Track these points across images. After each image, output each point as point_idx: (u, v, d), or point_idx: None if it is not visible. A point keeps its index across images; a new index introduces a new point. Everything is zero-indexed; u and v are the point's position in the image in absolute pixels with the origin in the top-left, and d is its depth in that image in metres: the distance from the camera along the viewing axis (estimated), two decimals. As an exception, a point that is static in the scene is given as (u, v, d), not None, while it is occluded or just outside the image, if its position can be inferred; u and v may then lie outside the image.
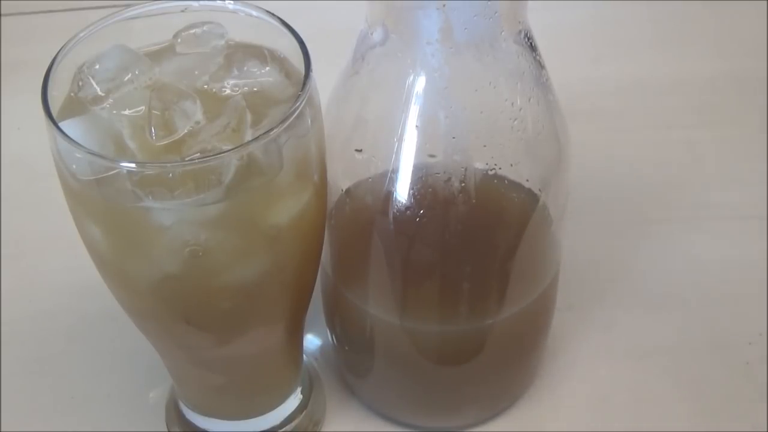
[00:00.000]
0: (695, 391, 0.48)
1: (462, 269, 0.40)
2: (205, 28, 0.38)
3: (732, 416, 0.47)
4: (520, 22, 0.37)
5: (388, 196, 0.39)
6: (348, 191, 0.41)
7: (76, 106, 0.35)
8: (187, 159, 0.33)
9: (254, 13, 0.37)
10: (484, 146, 0.38)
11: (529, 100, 0.38)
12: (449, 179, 0.38)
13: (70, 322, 0.52)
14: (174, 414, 0.47)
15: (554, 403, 0.48)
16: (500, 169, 0.38)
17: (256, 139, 0.33)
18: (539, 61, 0.38)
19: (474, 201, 0.38)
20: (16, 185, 0.60)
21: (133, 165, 0.33)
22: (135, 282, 0.37)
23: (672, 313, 0.52)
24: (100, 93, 0.35)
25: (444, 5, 0.34)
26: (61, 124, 0.33)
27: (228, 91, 0.36)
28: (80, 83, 0.36)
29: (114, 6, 0.38)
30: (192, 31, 0.37)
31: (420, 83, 0.37)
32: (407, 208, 0.39)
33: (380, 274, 0.41)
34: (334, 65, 0.40)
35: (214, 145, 0.33)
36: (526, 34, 0.37)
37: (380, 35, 0.37)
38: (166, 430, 0.47)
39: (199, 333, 0.39)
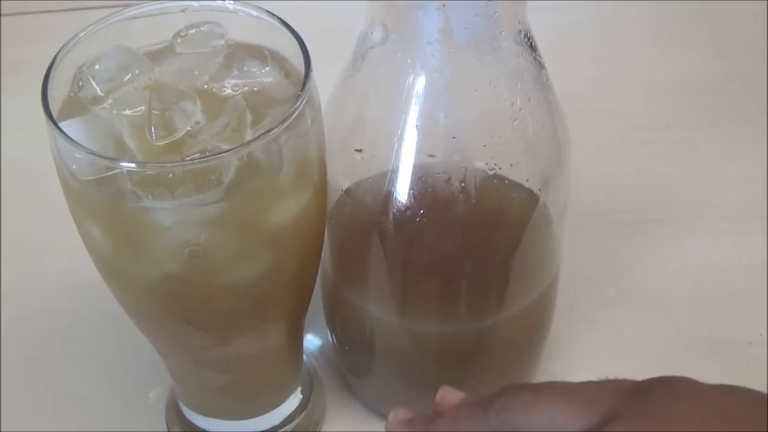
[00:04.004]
0: (695, 391, 0.48)
1: (462, 269, 0.40)
2: (204, 28, 0.38)
3: (732, 416, 0.47)
4: (520, 22, 0.37)
5: (388, 196, 0.39)
6: (348, 191, 0.41)
7: (76, 106, 0.35)
8: (187, 159, 0.33)
9: (254, 13, 0.37)
10: (484, 146, 0.38)
11: (529, 100, 0.38)
12: (449, 179, 0.38)
13: (70, 322, 0.52)
14: (174, 414, 0.47)
15: (554, 403, 0.48)
16: (500, 169, 0.38)
17: (256, 139, 0.33)
18: (539, 61, 0.38)
19: (474, 201, 0.38)
20: (16, 185, 0.60)
21: (133, 165, 0.33)
22: (135, 282, 0.37)
23: (672, 313, 0.52)
24: (100, 93, 0.35)
25: (444, 5, 0.34)
26: (61, 124, 0.33)
27: (228, 91, 0.36)
28: (80, 83, 0.36)
29: (114, 6, 0.38)
30: (192, 31, 0.37)
31: (420, 83, 0.37)
32: (407, 208, 0.39)
33: (380, 274, 0.41)
34: (334, 65, 0.40)
35: (214, 145, 0.33)
36: (526, 34, 0.37)
37: (380, 35, 0.37)
38: (166, 430, 0.47)
39: (199, 333, 0.39)
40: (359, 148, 0.39)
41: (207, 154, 0.33)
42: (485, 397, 0.33)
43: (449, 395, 0.35)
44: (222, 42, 0.37)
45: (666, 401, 0.29)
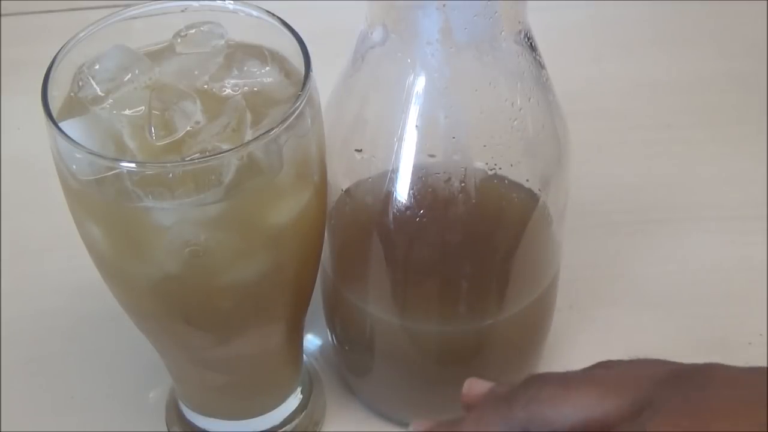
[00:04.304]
0: (695, 391, 0.48)
1: (462, 269, 0.40)
2: (204, 28, 0.38)
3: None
4: (520, 22, 0.37)
5: (388, 196, 0.39)
6: (348, 191, 0.41)
7: (76, 106, 0.35)
8: (187, 159, 0.33)
9: (254, 13, 0.37)
10: (484, 146, 0.38)
11: (529, 100, 0.38)
12: (449, 179, 0.38)
13: (70, 322, 0.52)
14: (174, 414, 0.47)
15: (554, 403, 0.48)
16: (500, 169, 0.38)
17: (256, 139, 0.33)
18: (539, 61, 0.38)
19: (474, 201, 0.38)
20: (16, 185, 0.60)
21: (133, 165, 0.33)
22: (135, 282, 0.37)
23: (672, 313, 0.52)
24: (100, 93, 0.35)
25: (444, 5, 0.34)
26: (61, 124, 0.33)
27: (228, 91, 0.36)
28: (80, 83, 0.36)
29: (114, 6, 0.38)
30: (192, 31, 0.37)
31: (420, 83, 0.37)
32: (407, 208, 0.39)
33: (380, 274, 0.41)
34: (334, 65, 0.40)
35: (214, 145, 0.33)
36: (526, 34, 0.37)
37: (380, 35, 0.37)
38: (166, 430, 0.47)
39: (199, 333, 0.39)
40: (359, 148, 0.39)
41: (207, 154, 0.33)
42: (510, 390, 0.32)
43: (476, 385, 0.34)
44: (222, 42, 0.37)
45: (703, 387, 0.28)
